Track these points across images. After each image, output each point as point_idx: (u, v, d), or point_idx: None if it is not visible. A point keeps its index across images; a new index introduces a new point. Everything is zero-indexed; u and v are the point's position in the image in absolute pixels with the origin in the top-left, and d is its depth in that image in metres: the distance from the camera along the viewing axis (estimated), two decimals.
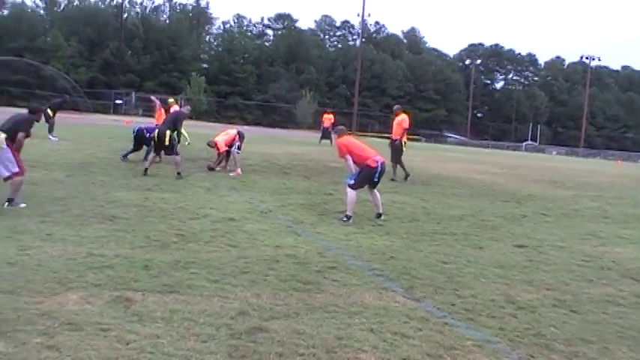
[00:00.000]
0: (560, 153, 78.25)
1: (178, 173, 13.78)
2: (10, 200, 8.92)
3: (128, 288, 5.53)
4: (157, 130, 14.16)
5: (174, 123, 14.50)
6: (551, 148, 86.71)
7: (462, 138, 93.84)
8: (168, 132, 13.82)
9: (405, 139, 17.03)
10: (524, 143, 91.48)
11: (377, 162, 10.24)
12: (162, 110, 21.79)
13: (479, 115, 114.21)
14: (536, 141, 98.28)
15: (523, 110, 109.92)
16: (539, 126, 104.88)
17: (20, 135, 9.10)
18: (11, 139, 8.99)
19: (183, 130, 17.12)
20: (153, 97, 24.08)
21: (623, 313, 6.13)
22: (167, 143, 13.78)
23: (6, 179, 9.06)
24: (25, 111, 9.90)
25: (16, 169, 9.02)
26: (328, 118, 32.98)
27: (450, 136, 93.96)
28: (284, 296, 5.69)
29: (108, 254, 6.66)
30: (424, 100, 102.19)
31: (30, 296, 5.11)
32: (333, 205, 11.74)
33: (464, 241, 9.32)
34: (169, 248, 7.24)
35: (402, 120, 17.07)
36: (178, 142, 14.69)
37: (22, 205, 8.97)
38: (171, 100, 22.34)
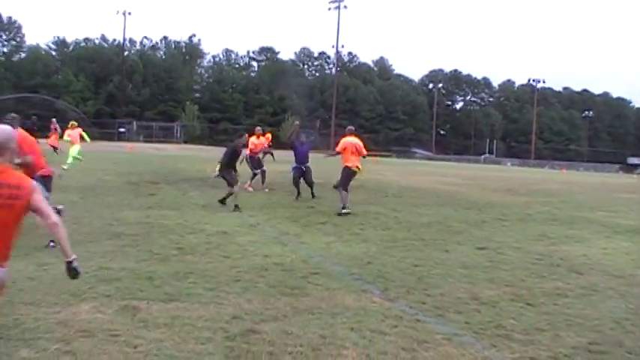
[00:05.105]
0: (514, 164, 78.71)
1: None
2: (236, 206, 11.99)
3: (134, 297, 5.51)
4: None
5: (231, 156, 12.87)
6: (506, 160, 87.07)
7: (428, 153, 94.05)
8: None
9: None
10: (483, 156, 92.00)
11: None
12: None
13: (442, 132, 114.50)
14: (493, 154, 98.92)
15: (481, 127, 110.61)
16: (495, 141, 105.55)
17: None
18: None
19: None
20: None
21: (571, 304, 6.22)
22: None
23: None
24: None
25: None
26: None
27: (418, 152, 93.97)
28: (273, 301, 5.69)
29: (115, 267, 6.62)
30: (394, 121, 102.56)
31: (48, 307, 5.09)
32: (315, 217, 11.76)
33: (432, 245, 9.36)
34: (170, 261, 7.21)
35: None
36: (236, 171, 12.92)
37: None
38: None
